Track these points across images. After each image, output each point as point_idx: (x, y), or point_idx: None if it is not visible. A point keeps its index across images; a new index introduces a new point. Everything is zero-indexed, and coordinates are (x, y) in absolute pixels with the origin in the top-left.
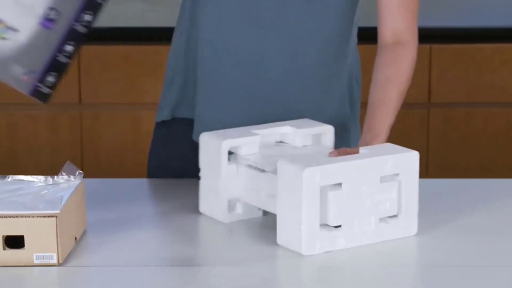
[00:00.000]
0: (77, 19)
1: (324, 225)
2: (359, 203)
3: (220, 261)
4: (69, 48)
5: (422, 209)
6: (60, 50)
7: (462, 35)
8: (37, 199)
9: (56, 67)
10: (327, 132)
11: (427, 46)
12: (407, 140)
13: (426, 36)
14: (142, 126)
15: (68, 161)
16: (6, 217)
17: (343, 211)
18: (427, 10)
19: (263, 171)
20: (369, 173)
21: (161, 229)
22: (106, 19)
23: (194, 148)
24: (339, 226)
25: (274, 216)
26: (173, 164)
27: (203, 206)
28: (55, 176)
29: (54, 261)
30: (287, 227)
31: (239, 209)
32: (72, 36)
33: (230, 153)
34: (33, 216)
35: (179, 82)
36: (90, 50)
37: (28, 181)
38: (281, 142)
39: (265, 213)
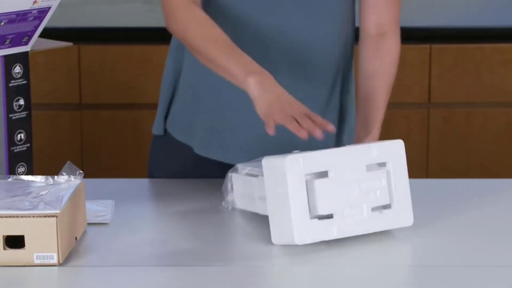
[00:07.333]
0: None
1: (316, 216)
2: (348, 192)
3: (219, 261)
4: (20, 135)
5: (422, 209)
6: (11, 143)
7: (462, 35)
8: (38, 199)
9: (18, 157)
10: None
11: (427, 46)
12: (407, 140)
13: (426, 36)
14: (142, 126)
15: (68, 161)
16: (7, 217)
17: (332, 199)
18: (427, 10)
19: (255, 176)
20: (355, 161)
21: (160, 229)
22: (106, 19)
23: (192, 153)
24: (331, 216)
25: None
26: (173, 167)
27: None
28: (55, 176)
29: (55, 261)
30: (278, 222)
31: None
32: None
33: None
34: (33, 216)
35: (168, 98)
36: (90, 50)
37: (29, 181)
38: None
39: None
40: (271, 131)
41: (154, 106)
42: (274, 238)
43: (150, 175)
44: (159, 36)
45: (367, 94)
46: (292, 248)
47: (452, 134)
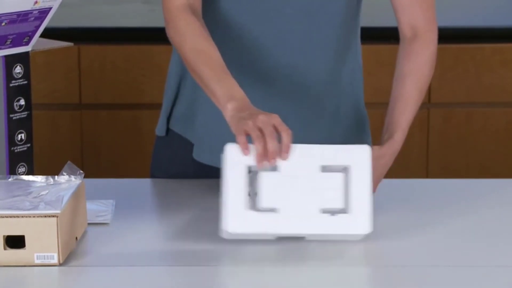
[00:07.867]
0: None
1: (259, 208)
2: (295, 189)
3: (220, 261)
4: (20, 135)
5: (422, 209)
6: (12, 143)
7: (462, 35)
8: (38, 199)
9: (19, 157)
10: None
11: None
12: (407, 140)
13: None
14: (142, 126)
15: (68, 161)
16: (7, 217)
17: (276, 194)
18: None
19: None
20: (309, 159)
21: (161, 230)
22: (106, 19)
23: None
24: (276, 211)
25: None
26: (174, 168)
27: None
28: (56, 176)
29: (55, 261)
30: (221, 211)
31: None
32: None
33: None
34: (34, 216)
35: (171, 99)
36: (90, 50)
37: (29, 181)
38: None
39: None
40: (243, 145)
41: (154, 106)
42: (220, 230)
43: (152, 176)
44: (159, 36)
45: (396, 96)
46: (292, 248)
47: (452, 134)
